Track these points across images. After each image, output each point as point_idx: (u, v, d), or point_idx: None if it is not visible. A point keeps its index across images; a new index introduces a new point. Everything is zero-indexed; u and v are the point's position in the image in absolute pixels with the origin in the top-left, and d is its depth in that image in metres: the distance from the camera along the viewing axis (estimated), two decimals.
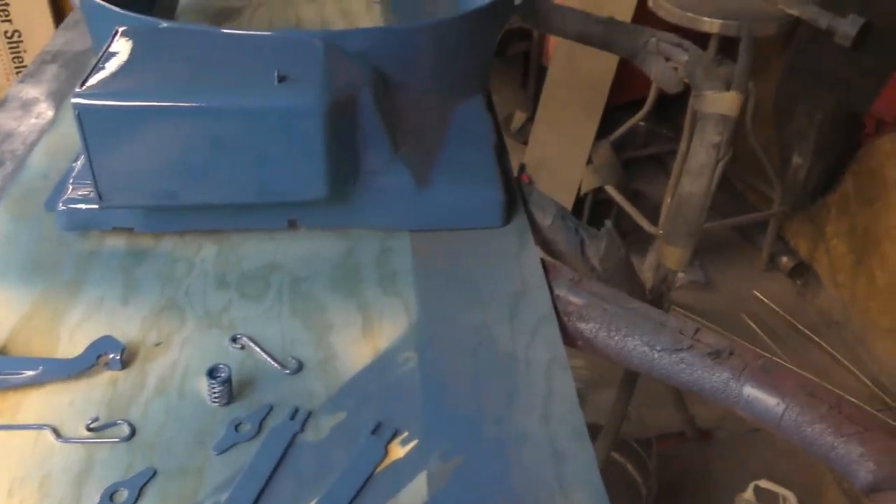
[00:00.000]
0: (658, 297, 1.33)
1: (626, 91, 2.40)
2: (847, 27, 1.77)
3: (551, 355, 0.69)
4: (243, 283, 0.77)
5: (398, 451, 0.61)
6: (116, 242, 0.82)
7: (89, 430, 0.61)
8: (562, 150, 2.53)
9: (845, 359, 2.12)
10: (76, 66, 1.18)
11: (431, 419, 0.63)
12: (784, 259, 2.38)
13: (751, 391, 0.67)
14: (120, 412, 0.63)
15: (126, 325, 0.72)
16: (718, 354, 0.69)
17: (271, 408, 0.64)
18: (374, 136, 0.78)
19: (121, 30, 0.79)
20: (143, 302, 0.74)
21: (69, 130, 1.00)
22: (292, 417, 0.63)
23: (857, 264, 2.13)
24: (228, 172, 0.73)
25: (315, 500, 0.57)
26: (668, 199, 2.23)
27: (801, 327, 2.21)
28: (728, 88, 1.25)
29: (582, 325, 0.75)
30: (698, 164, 1.25)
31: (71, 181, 0.81)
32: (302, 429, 0.62)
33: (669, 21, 1.98)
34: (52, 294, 0.75)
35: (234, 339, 0.71)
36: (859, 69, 1.85)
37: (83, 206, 0.79)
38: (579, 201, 2.55)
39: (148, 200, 0.75)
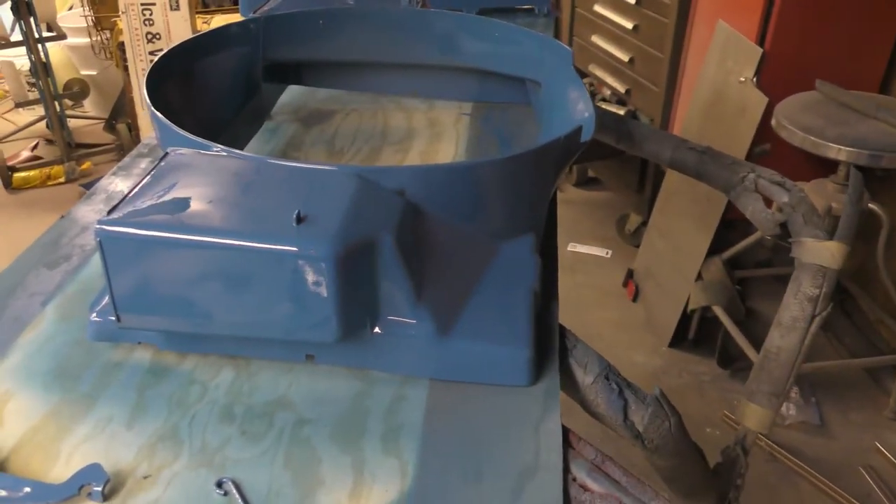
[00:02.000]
0: (732, 461, 1.19)
1: None
2: None
3: None
4: (247, 419, 0.75)
5: None
6: (142, 356, 0.82)
7: None
8: (673, 261, 2.41)
9: None
10: None
11: None
12: None
13: None
14: None
15: (123, 451, 0.71)
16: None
17: None
18: (394, 281, 0.75)
19: (170, 151, 0.81)
20: (146, 427, 0.74)
21: (121, 187, 1.04)
22: None
23: None
24: (240, 307, 0.72)
25: None
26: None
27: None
28: (832, 237, 1.13)
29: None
30: (791, 316, 1.13)
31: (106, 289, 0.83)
32: None
33: (791, 143, 1.85)
34: (66, 407, 0.76)
35: (219, 485, 0.68)
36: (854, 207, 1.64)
37: (112, 320, 0.80)
38: (686, 317, 2.40)
39: (162, 325, 0.76)
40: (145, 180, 0.76)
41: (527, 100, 1.39)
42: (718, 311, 2.23)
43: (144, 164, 1.23)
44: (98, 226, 0.69)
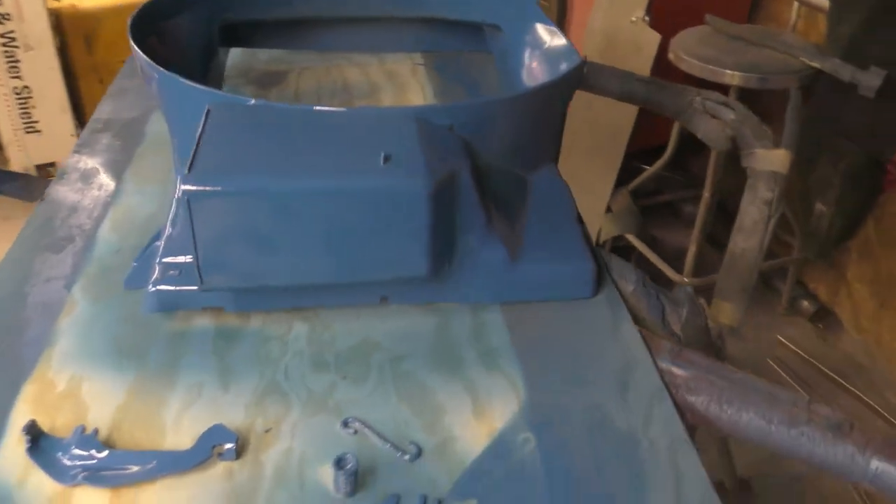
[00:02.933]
0: (716, 355, 1.31)
1: (640, 139, 2.43)
2: (871, 79, 1.80)
3: (673, 435, 0.68)
4: (343, 364, 0.75)
5: None
6: (204, 322, 0.80)
7: None
8: (580, 197, 2.54)
9: (875, 403, 2.12)
10: (129, 135, 1.17)
11: None
12: (805, 304, 2.39)
13: (878, 464, 0.66)
14: None
15: (231, 412, 0.70)
16: (839, 428, 0.68)
17: (399, 498, 0.62)
18: (471, 212, 0.77)
19: (211, 109, 0.78)
20: (243, 387, 0.72)
21: (133, 202, 0.99)
22: None
23: (881, 308, 2.14)
24: (331, 253, 0.72)
25: None
26: (693, 248, 2.24)
27: (828, 371, 2.20)
28: (776, 145, 1.27)
29: (691, 399, 0.74)
30: (751, 220, 1.26)
31: (158, 261, 0.79)
32: None
33: (691, 74, 2.01)
34: (147, 381, 0.73)
35: (345, 424, 0.69)
36: (881, 118, 1.88)
37: (173, 287, 0.77)
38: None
39: (249, 282, 0.74)
40: (203, 139, 0.73)
41: (479, 46, 1.43)
42: (631, 238, 2.39)
43: (105, 139, 1.16)
44: (185, 186, 0.66)
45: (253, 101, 0.80)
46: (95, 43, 3.19)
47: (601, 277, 0.85)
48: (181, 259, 0.78)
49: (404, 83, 1.35)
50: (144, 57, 0.88)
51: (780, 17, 2.40)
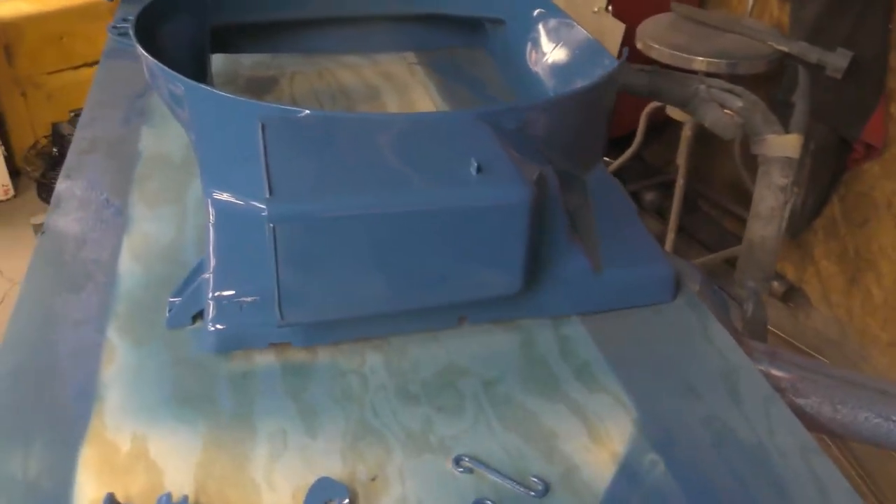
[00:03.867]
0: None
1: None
2: (838, 60, 1.84)
3: (800, 442, 0.65)
4: (432, 394, 0.69)
5: None
6: (268, 359, 0.72)
7: None
8: None
9: None
10: (122, 155, 1.06)
11: None
12: (774, 284, 2.44)
13: None
14: None
15: (326, 461, 0.63)
16: None
17: None
18: (555, 221, 0.72)
19: (266, 123, 0.70)
20: (331, 430, 0.65)
21: (149, 229, 0.90)
22: None
23: (850, 284, 2.20)
24: (423, 274, 0.66)
25: None
26: (671, 236, 2.25)
27: (803, 348, 2.25)
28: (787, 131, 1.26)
29: (801, 401, 0.71)
30: (768, 207, 1.25)
31: (211, 296, 0.71)
32: None
33: (661, 62, 2.01)
34: (222, 432, 0.65)
35: (457, 463, 0.63)
36: (848, 98, 1.93)
37: (236, 324, 0.69)
38: None
39: (332, 314, 0.67)
40: (270, 158, 0.66)
41: (472, 42, 1.37)
42: None
43: (96, 160, 1.05)
44: (273, 211, 0.59)
45: (307, 112, 0.72)
46: (16, 54, 2.97)
47: (678, 280, 0.82)
48: (238, 292, 0.71)
49: (405, 84, 1.28)
50: (172, 72, 0.79)
51: (731, 1, 2.44)
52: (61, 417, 0.66)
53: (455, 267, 0.66)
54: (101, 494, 0.59)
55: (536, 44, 1.18)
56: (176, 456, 0.63)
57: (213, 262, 0.74)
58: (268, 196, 0.60)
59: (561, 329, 0.77)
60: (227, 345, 0.70)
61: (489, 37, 1.33)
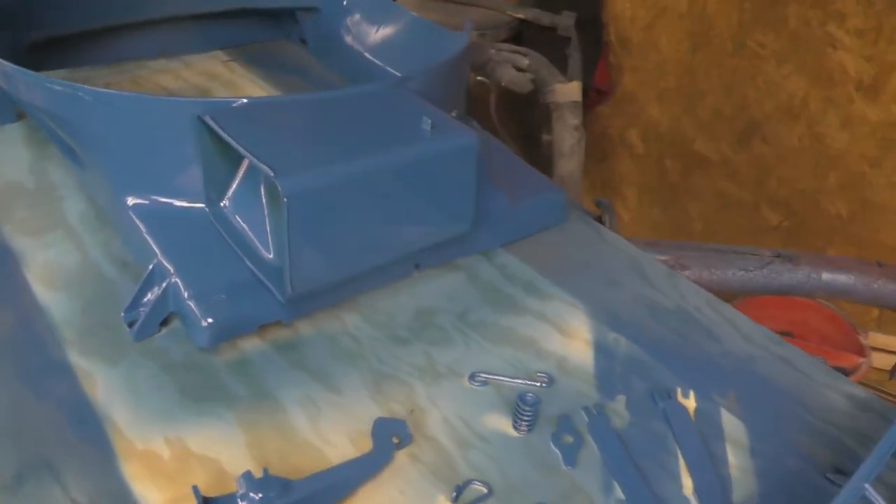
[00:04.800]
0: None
1: None
2: (566, 20, 2.15)
3: (704, 297, 0.84)
4: (419, 334, 0.77)
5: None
6: (254, 344, 0.74)
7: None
8: None
9: None
10: None
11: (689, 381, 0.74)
12: None
13: (828, 276, 0.90)
14: (453, 479, 0.62)
15: (363, 409, 0.68)
16: (791, 259, 0.91)
17: (568, 417, 0.68)
18: (480, 166, 0.83)
19: (209, 118, 0.72)
20: (351, 383, 0.71)
21: (49, 257, 0.84)
22: (592, 413, 0.68)
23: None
24: (401, 226, 0.73)
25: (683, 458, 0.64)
26: None
27: None
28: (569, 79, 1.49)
29: (686, 273, 0.91)
30: (568, 145, 1.47)
31: (188, 296, 0.71)
32: (599, 415, 0.68)
33: None
34: (253, 413, 0.67)
35: (472, 378, 0.72)
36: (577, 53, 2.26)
37: (229, 313, 0.71)
38: None
39: (332, 277, 0.71)
40: (244, 144, 0.68)
41: (277, 34, 1.41)
42: None
43: None
44: (283, 187, 0.62)
45: (244, 100, 0.75)
46: None
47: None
48: (212, 286, 0.72)
49: (230, 81, 1.28)
50: (71, 84, 0.76)
51: None
52: (77, 447, 0.63)
53: (424, 214, 0.74)
54: (169, 497, 0.59)
55: (359, 27, 1.26)
56: (222, 445, 0.64)
57: (169, 266, 0.74)
58: (271, 174, 0.63)
59: (494, 260, 0.89)
60: (221, 336, 0.71)
61: (300, 26, 1.37)
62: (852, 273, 0.91)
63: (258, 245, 0.75)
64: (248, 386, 0.70)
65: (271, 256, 0.74)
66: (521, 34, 2.30)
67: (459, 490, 0.61)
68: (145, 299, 0.75)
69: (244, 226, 0.77)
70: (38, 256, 0.84)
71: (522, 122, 2.48)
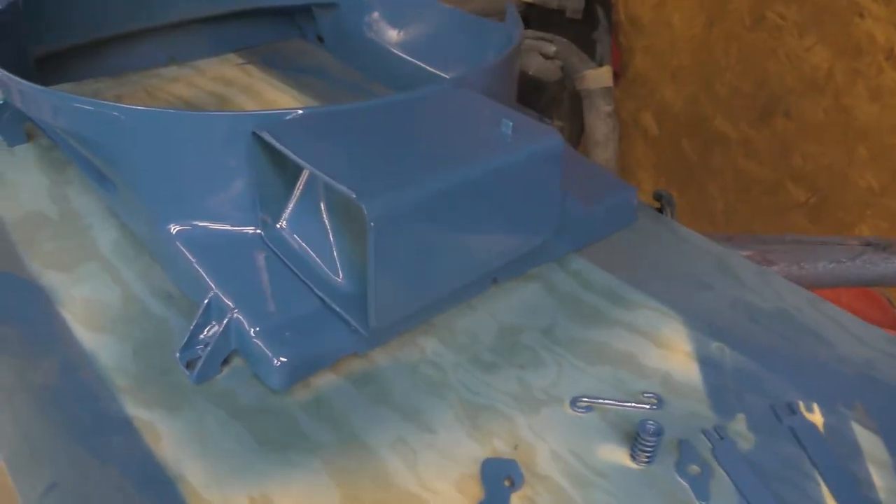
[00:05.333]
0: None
1: None
2: (575, 3, 2.08)
3: (804, 296, 0.78)
4: (505, 356, 0.70)
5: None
6: (329, 380, 0.67)
7: None
8: None
9: None
10: None
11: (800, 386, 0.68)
12: None
13: None
14: None
15: (462, 449, 0.61)
16: (885, 248, 0.84)
17: (687, 441, 0.62)
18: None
19: (264, 132, 0.64)
20: (444, 420, 0.64)
21: (85, 293, 0.76)
22: (715, 437, 0.62)
23: None
24: (484, 241, 0.66)
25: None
26: None
27: None
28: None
29: (774, 269, 0.84)
30: (602, 134, 1.41)
31: (255, 331, 0.64)
32: (723, 439, 0.62)
33: None
34: (341, 461, 0.60)
35: (574, 405, 0.65)
36: (583, 36, 2.19)
37: (302, 349, 0.64)
38: None
39: (416, 303, 0.64)
40: (312, 162, 0.60)
41: (289, 33, 1.33)
42: None
43: None
44: (369, 211, 0.55)
45: (301, 111, 0.68)
46: None
47: None
48: (278, 320, 0.65)
49: (248, 85, 1.20)
50: (106, 103, 0.68)
51: None
52: None
53: (509, 225, 0.67)
54: None
55: (383, 21, 1.18)
56: (315, 501, 0.57)
57: (228, 300, 0.66)
58: (353, 196, 0.56)
59: (568, 267, 0.82)
60: (296, 375, 0.64)
61: (317, 23, 1.29)
62: None
63: (325, 269, 0.68)
64: (332, 429, 0.63)
65: (341, 280, 0.67)
66: (528, 18, 2.22)
67: None
68: (202, 336, 0.68)
69: (307, 248, 0.69)
70: (73, 293, 0.77)
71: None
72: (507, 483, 0.57)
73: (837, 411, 0.65)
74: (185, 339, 0.68)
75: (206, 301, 0.68)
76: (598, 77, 1.41)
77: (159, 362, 0.69)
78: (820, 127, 1.95)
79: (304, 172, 0.70)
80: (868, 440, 0.63)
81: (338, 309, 0.64)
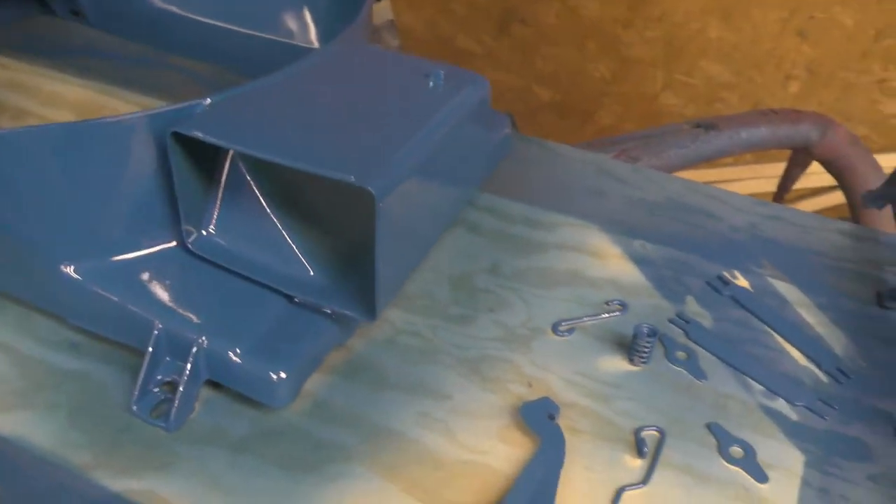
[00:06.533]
0: None
1: None
2: None
3: (680, 183, 0.87)
4: (470, 306, 0.70)
5: None
6: (315, 381, 0.62)
7: None
8: None
9: None
10: None
11: None
12: None
13: (745, 133, 0.98)
14: (618, 435, 0.60)
15: (482, 403, 0.62)
16: (712, 126, 0.97)
17: (664, 334, 0.68)
18: None
19: (196, 124, 0.56)
20: (454, 382, 0.63)
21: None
22: (682, 323, 0.69)
23: None
24: (451, 193, 0.65)
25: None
26: None
27: None
28: None
29: (638, 164, 0.93)
30: None
31: (237, 352, 0.57)
32: (689, 322, 0.69)
33: None
34: (385, 457, 0.57)
35: (556, 330, 0.68)
36: None
37: (295, 357, 0.58)
38: None
39: (405, 276, 0.61)
40: (267, 149, 0.54)
41: (31, 11, 1.12)
42: None
43: None
44: (375, 190, 0.50)
45: (209, 100, 0.59)
46: None
47: None
48: (254, 333, 0.59)
49: (15, 80, 1.00)
50: None
51: None
52: None
53: (468, 168, 0.67)
54: None
55: None
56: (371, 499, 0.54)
57: (184, 331, 0.58)
58: (351, 179, 0.51)
59: (479, 204, 0.83)
60: (296, 386, 0.59)
61: None
62: (761, 125, 1.01)
63: (287, 266, 0.61)
64: (350, 429, 0.59)
65: (312, 274, 0.61)
66: None
67: (640, 444, 0.58)
68: (159, 378, 0.59)
69: (253, 249, 0.62)
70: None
71: None
72: (549, 418, 0.59)
73: (753, 272, 0.76)
74: (139, 386, 0.58)
75: (152, 336, 0.58)
76: (379, 11, 1.39)
77: (108, 422, 0.58)
78: (554, 29, 2.12)
79: (224, 169, 0.62)
80: (786, 289, 0.74)
81: (322, 305, 0.59)
